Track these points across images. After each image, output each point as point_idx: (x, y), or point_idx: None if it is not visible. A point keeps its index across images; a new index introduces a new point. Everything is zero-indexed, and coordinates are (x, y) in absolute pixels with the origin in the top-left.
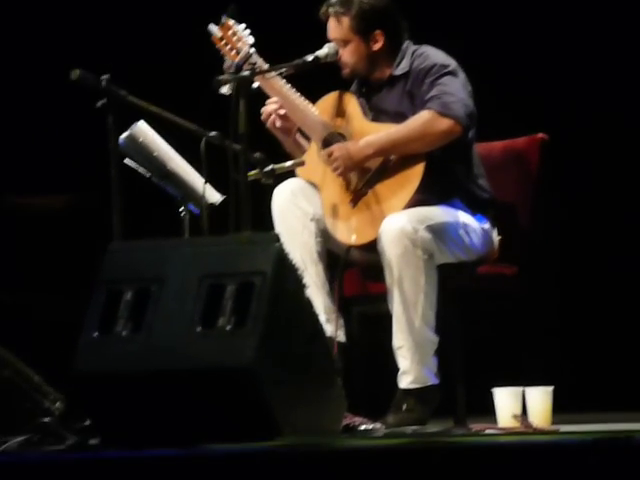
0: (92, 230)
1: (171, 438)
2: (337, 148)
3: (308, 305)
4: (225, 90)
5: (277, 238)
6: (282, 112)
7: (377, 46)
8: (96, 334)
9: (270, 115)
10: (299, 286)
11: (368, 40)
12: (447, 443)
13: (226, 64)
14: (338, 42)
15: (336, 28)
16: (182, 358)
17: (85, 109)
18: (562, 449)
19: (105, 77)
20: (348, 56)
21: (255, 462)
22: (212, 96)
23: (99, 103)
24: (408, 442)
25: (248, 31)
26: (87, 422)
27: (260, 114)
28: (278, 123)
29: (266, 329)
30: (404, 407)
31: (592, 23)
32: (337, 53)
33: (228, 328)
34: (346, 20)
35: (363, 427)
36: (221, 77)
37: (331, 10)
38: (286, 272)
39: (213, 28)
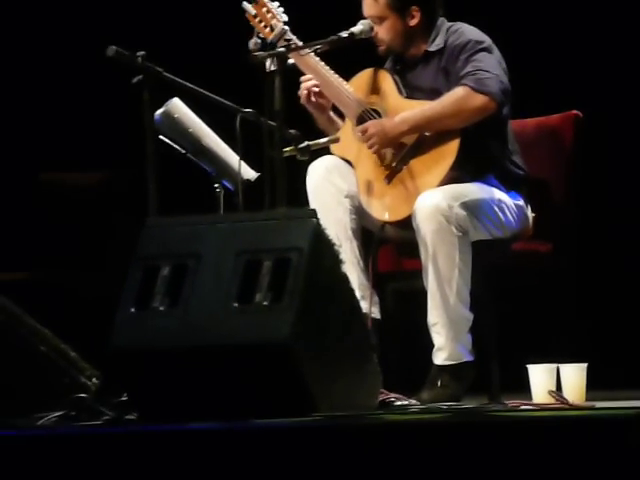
0: (127, 207)
1: (208, 413)
2: (372, 124)
3: (345, 281)
4: (271, 66)
5: (314, 214)
6: (317, 89)
7: (414, 22)
8: (133, 309)
9: (305, 90)
10: (336, 262)
11: (405, 16)
12: (484, 417)
13: (252, 41)
14: (374, 19)
15: (372, 5)
16: (219, 333)
17: (120, 86)
18: (602, 423)
19: (141, 54)
20: (384, 33)
21: (292, 436)
22: (247, 73)
23: (135, 79)
24: (445, 417)
25: (282, 9)
26: (123, 398)
27: (295, 90)
28: (313, 99)
29: (303, 305)
30: (439, 383)
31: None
32: (372, 30)
33: (265, 304)
34: None
35: (399, 403)
36: (258, 53)
37: None
38: (323, 248)
39: (247, 5)
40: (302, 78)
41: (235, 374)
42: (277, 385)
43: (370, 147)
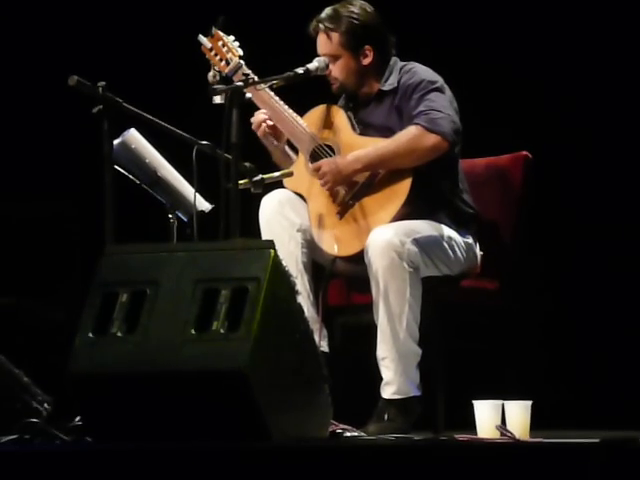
0: (77, 236)
1: (162, 438)
2: (326, 163)
3: (300, 311)
4: (218, 99)
5: (271, 245)
6: (270, 123)
7: (367, 61)
8: (91, 335)
9: (260, 124)
10: (291, 293)
11: (358, 55)
12: (438, 445)
13: (210, 74)
14: (328, 57)
15: (326, 43)
16: (176, 360)
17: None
18: (564, 451)
19: (101, 84)
20: (338, 71)
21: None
22: (205, 105)
23: (95, 109)
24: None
25: (237, 43)
26: (76, 422)
27: (250, 124)
28: (268, 130)
29: (259, 334)
30: (386, 417)
31: (573, 45)
32: (327, 67)
33: (222, 332)
34: (336, 36)
35: (348, 434)
36: (216, 87)
37: (321, 26)
38: (279, 278)
39: (203, 38)
40: (256, 112)
41: (190, 401)
42: (231, 413)
43: (324, 185)
